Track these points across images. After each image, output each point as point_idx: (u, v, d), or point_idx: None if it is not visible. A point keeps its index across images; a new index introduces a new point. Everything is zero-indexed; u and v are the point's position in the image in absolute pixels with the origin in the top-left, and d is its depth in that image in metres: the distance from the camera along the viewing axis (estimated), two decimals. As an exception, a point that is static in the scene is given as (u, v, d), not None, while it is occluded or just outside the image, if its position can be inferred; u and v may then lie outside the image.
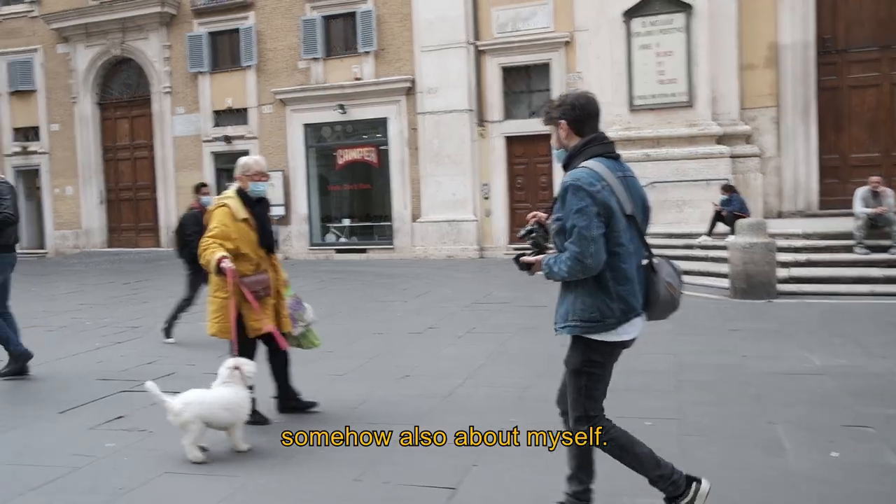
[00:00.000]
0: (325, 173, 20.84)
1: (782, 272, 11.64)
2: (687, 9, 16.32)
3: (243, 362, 5.06)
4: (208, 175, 21.69)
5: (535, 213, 3.70)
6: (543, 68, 18.35)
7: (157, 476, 4.56)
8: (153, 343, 9.04)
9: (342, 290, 13.70)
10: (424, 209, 19.34)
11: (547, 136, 15.33)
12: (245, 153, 21.09)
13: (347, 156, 20.19)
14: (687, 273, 12.82)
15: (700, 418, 5.42)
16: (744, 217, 13.76)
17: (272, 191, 20.54)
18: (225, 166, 21.95)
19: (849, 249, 12.25)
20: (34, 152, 23.79)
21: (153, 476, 4.56)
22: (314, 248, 20.61)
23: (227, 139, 21.16)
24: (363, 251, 20.02)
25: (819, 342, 7.95)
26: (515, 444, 4.95)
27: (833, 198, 16.64)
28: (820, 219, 14.99)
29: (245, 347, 5.40)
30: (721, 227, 14.03)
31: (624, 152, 17.22)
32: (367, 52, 19.48)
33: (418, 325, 9.59)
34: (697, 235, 14.42)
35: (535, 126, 18.48)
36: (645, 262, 3.47)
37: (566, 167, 3.47)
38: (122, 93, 23.08)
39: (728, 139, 16.64)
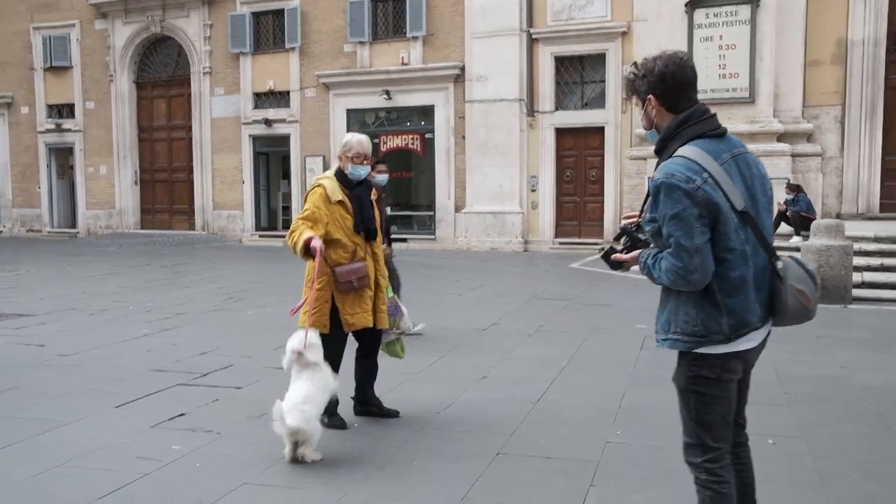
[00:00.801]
0: (367, 160, 20.33)
1: (856, 277, 11.02)
2: (753, 1, 15.63)
3: (299, 346, 4.50)
4: (246, 158, 21.35)
5: (630, 214, 3.04)
6: (598, 59, 17.75)
7: (237, 487, 4.08)
8: (202, 331, 8.60)
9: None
10: (469, 200, 18.81)
11: (598, 130, 14.87)
12: (286, 137, 20.77)
13: (391, 143, 19.69)
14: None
15: (827, 438, 4.88)
16: (810, 218, 13.15)
17: (312, 176, 20.14)
18: (264, 150, 21.61)
19: (926, 256, 11.61)
20: (68, 130, 23.46)
21: (232, 487, 4.07)
22: (353, 237, 20.12)
23: (268, 122, 20.72)
24: (404, 241, 19.44)
25: (920, 355, 7.37)
26: (631, 462, 4.42)
27: (894, 201, 15.96)
28: (887, 222, 14.29)
29: (334, 343, 4.92)
30: (784, 228, 13.41)
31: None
32: (415, 37, 18.95)
33: (481, 321, 9.09)
34: (757, 236, 13.80)
35: (586, 118, 17.98)
36: (768, 264, 2.76)
37: (659, 152, 2.80)
38: (160, 72, 22.72)
39: (789, 137, 15.98)
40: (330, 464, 4.42)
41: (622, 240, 2.99)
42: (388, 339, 5.39)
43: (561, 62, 18.10)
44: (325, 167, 19.98)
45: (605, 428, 5.03)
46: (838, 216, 15.74)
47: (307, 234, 4.64)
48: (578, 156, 18.31)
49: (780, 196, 14.22)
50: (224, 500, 3.91)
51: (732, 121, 15.95)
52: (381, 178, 7.96)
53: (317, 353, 4.51)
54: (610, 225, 17.80)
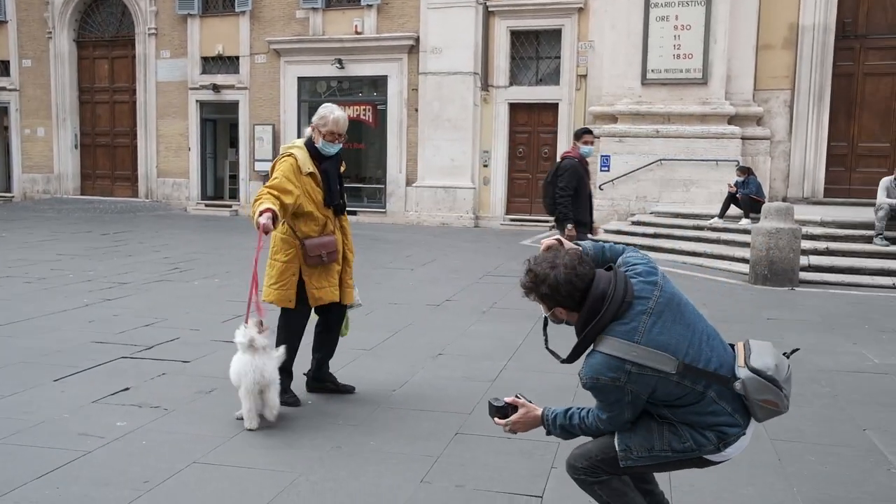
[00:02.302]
0: (317, 130, 19.95)
1: (803, 260, 11.19)
2: (710, -19, 15.69)
3: (254, 336, 4.37)
4: (193, 125, 20.75)
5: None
6: (555, 34, 17.65)
7: (185, 467, 3.89)
8: (147, 302, 8.31)
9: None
10: (420, 173, 18.62)
11: (552, 106, 14.79)
12: (234, 104, 20.24)
13: (342, 113, 19.32)
14: (698, 255, 12.65)
15: (783, 420, 4.83)
16: (759, 201, 13.33)
17: (261, 145, 19.72)
18: (211, 116, 21.05)
19: (868, 240, 11.85)
20: (3, 88, 22.48)
21: (181, 466, 3.89)
22: (301, 208, 19.77)
23: (216, 88, 20.17)
24: (353, 213, 19.20)
25: (866, 337, 7.48)
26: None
27: (838, 186, 16.33)
28: (834, 207, 14.58)
29: (297, 318, 4.78)
30: (734, 210, 13.57)
31: (633, 127, 16.89)
32: (369, 6, 18.57)
33: (435, 296, 8.97)
34: (704, 216, 13.97)
35: (540, 94, 17.90)
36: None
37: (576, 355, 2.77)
38: (103, 31, 21.87)
39: (740, 120, 16.15)
40: (284, 443, 4.27)
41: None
42: None
43: (517, 36, 17.96)
44: (275, 135, 19.57)
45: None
46: (784, 200, 16.01)
47: (265, 205, 4.43)
48: (531, 132, 18.25)
49: (730, 178, 14.41)
50: (172, 481, 3.73)
51: (685, 102, 16.11)
52: (587, 149, 8.09)
53: (263, 341, 4.41)
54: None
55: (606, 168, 16.54)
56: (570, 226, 7.82)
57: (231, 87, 20.13)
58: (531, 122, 18.18)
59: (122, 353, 6.09)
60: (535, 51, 18.02)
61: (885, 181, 12.04)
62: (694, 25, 15.87)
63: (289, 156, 4.73)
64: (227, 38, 20.03)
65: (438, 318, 7.86)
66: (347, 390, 5.14)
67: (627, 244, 12.59)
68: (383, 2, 18.48)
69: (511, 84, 18.03)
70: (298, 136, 19.56)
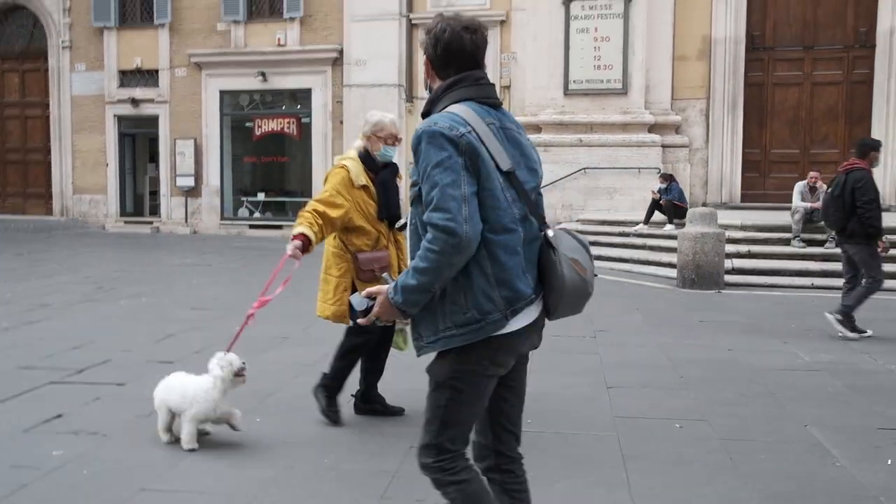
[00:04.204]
0: (241, 144, 19.61)
1: (726, 263, 11.53)
2: (627, -5, 16.10)
3: (228, 361, 4.29)
4: (111, 140, 20.10)
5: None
6: (477, 46, 17.76)
7: (134, 494, 3.72)
8: (72, 323, 7.97)
9: (271, 268, 12.77)
10: (346, 187, 18.43)
11: None
12: (154, 118, 19.69)
13: (266, 126, 19.04)
14: (626, 261, 12.90)
15: (729, 420, 5.00)
16: (682, 207, 13.70)
17: (182, 160, 19.26)
18: (130, 131, 20.45)
19: (786, 242, 12.30)
20: None
21: (128, 495, 3.70)
22: (226, 223, 19.39)
23: (135, 102, 19.59)
24: (279, 227, 18.93)
25: (794, 336, 7.74)
26: (546, 451, 4.37)
27: (753, 191, 16.88)
28: (751, 211, 15.07)
29: (358, 337, 4.69)
30: (658, 216, 13.89)
31: (557, 137, 17.12)
32: (292, 18, 18.38)
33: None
34: (629, 223, 14.27)
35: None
36: (539, 233, 2.50)
37: (426, 116, 2.54)
38: (13, 43, 21.00)
39: (659, 128, 16.58)
40: (235, 464, 4.13)
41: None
42: (399, 327, 4.99)
43: (441, 49, 18.01)
44: (197, 150, 19.14)
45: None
46: (704, 205, 16.46)
47: (300, 228, 4.31)
48: (458, 143, 18.30)
49: (652, 185, 14.76)
50: (121, 510, 3.56)
51: (606, 111, 16.45)
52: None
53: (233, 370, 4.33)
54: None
55: (533, 178, 16.69)
56: (883, 238, 7.59)
57: (150, 100, 19.59)
58: (457, 134, 18.22)
59: (50, 377, 5.80)
60: (459, 62, 18.10)
61: (799, 185, 12.53)
62: (613, 37, 16.24)
63: (341, 167, 4.59)
64: (146, 51, 19.50)
65: (378, 331, 7.76)
66: (396, 412, 4.96)
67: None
68: (306, 14, 18.32)
69: (436, 96, 18.06)
70: (221, 151, 19.23)
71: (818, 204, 12.09)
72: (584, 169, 16.27)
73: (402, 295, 2.38)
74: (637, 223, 14.02)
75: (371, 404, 4.96)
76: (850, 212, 7.48)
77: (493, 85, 2.60)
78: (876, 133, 15.90)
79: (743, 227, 12.79)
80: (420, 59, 15.35)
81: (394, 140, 4.63)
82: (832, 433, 4.76)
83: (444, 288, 2.38)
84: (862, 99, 16.20)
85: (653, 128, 16.45)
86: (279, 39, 18.43)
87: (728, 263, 11.54)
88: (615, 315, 8.73)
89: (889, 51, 15.71)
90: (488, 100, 2.51)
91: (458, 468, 2.52)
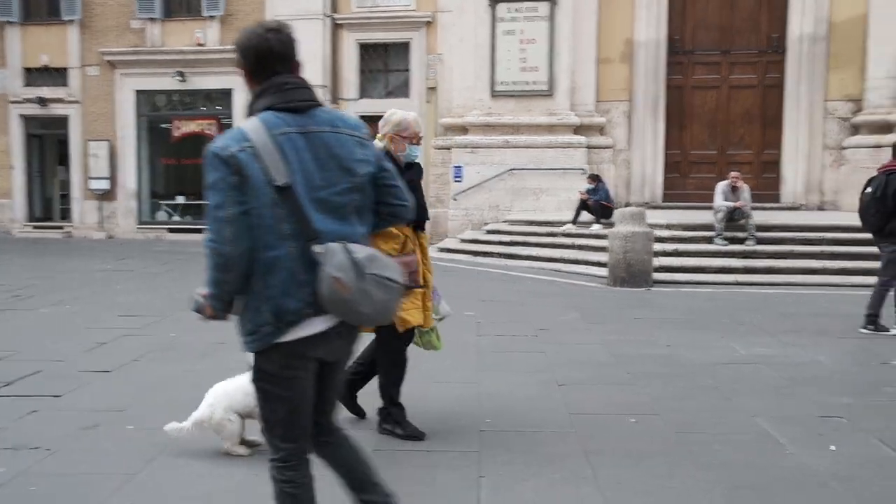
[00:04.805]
0: (159, 146, 19.02)
1: (654, 261, 11.80)
2: (551, -2, 16.32)
3: None
4: (16, 141, 19.21)
5: None
6: (403, 47, 17.75)
7: (92, 507, 3.54)
8: (-7, 333, 7.56)
9: (196, 272, 12.41)
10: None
11: None
12: (64, 119, 18.90)
13: (185, 128, 18.52)
14: (555, 261, 13.08)
15: (680, 414, 5.09)
16: (609, 207, 13.98)
17: (95, 162, 18.57)
18: (38, 132, 19.59)
19: (709, 241, 12.68)
20: None
21: (86, 508, 3.53)
22: (144, 227, 18.78)
23: (42, 101, 18.75)
24: (199, 231, 18.44)
25: (727, 330, 7.96)
26: (511, 449, 4.36)
27: (675, 191, 17.31)
28: (673, 211, 15.47)
29: (395, 342, 4.44)
30: (585, 216, 14.12)
31: (484, 138, 17.21)
32: (212, 17, 17.94)
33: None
34: (557, 223, 14.46)
35: (391, 106, 17.71)
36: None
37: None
38: None
39: (584, 130, 16.85)
40: (196, 473, 3.97)
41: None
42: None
43: (365, 49, 17.92)
44: (112, 152, 18.47)
45: (474, 416, 4.94)
46: (627, 205, 16.85)
47: None
48: (384, 145, 18.21)
49: (578, 186, 15.00)
50: (77, 527, 3.38)
51: (533, 113, 16.63)
52: None
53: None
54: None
55: (459, 178, 16.78)
56: None
57: (60, 100, 18.79)
58: (383, 135, 18.13)
59: (-23, 390, 5.48)
60: (384, 63, 18.05)
61: (721, 185, 12.92)
62: (539, 40, 16.43)
63: None
64: (54, 48, 18.70)
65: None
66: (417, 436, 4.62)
67: (485, 253, 12.86)
68: (227, 13, 17.91)
69: (361, 97, 17.96)
70: (138, 153, 18.61)
71: (740, 203, 12.54)
72: (511, 170, 16.40)
73: (210, 290, 2.55)
74: (564, 223, 14.22)
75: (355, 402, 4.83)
76: (892, 213, 7.59)
77: (307, 87, 2.60)
78: (786, 135, 16.60)
79: (669, 227, 13.12)
80: (346, 59, 15.24)
81: (418, 139, 4.50)
82: (778, 423, 4.90)
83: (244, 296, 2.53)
84: (775, 102, 16.83)
85: (578, 129, 16.71)
86: (198, 38, 17.96)
87: (656, 261, 11.82)
88: (553, 314, 8.82)
89: (799, 56, 16.36)
90: (290, 105, 2.53)
91: (291, 468, 2.64)
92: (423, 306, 4.51)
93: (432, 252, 15.12)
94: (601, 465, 4.12)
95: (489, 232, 15.43)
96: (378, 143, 4.46)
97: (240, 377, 4.10)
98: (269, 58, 2.55)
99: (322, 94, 17.61)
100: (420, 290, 4.44)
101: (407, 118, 4.45)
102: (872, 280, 11.15)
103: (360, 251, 2.50)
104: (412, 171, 4.49)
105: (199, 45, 17.96)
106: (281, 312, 2.45)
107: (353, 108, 17.87)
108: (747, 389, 5.71)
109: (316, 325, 2.51)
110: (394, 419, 4.52)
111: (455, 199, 16.59)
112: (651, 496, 3.77)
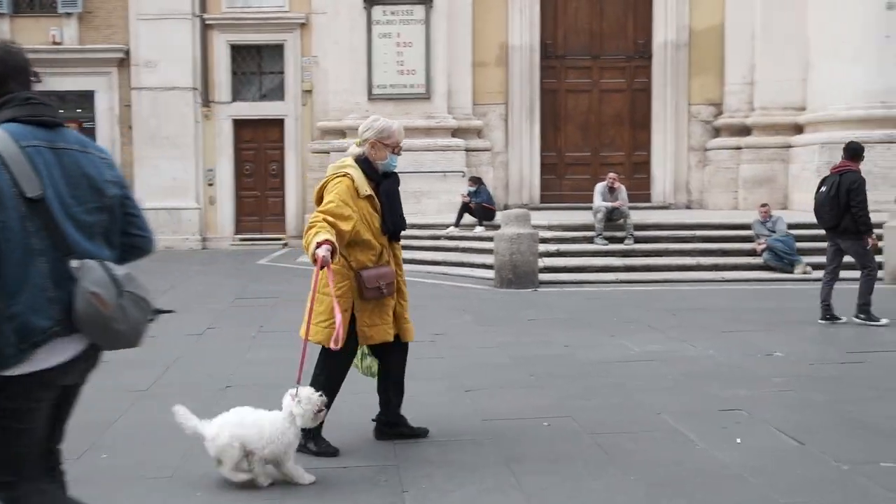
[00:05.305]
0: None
1: (539, 262, 11.97)
2: (427, 1, 16.29)
3: (306, 396, 3.87)
4: None
5: None
6: (277, 49, 17.31)
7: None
8: None
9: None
10: (139, 195, 17.16)
11: (278, 122, 14.60)
12: None
13: (42, 132, 17.32)
14: (440, 264, 13.05)
15: (590, 414, 5.11)
16: (491, 209, 14.08)
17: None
18: None
19: (590, 240, 12.99)
20: None
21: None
22: None
23: None
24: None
25: (618, 329, 8.11)
26: (429, 460, 4.23)
27: (551, 192, 17.70)
28: (551, 212, 15.77)
29: (342, 359, 4.23)
30: (468, 218, 14.17)
31: (364, 142, 16.96)
32: (69, 14, 16.84)
33: (193, 325, 8.24)
34: (440, 226, 14.45)
35: (265, 110, 17.51)
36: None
37: None
38: None
39: (462, 132, 16.94)
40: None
41: None
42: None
43: (237, 51, 17.37)
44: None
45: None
46: (506, 207, 17.07)
47: (322, 235, 3.81)
48: (258, 148, 17.75)
49: (458, 188, 15.05)
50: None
51: (411, 116, 16.53)
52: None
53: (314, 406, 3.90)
54: (292, 219, 17.55)
55: (339, 183, 16.49)
56: (874, 235, 8.25)
57: None
58: (257, 139, 17.66)
59: None
60: (257, 66, 17.55)
61: (599, 186, 13.26)
62: (415, 43, 16.40)
63: (343, 176, 4.11)
64: None
65: (207, 347, 7.27)
66: (421, 433, 4.60)
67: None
68: (85, 10, 16.89)
69: (234, 100, 17.39)
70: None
71: (618, 203, 12.92)
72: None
73: None
74: (446, 226, 14.22)
75: (398, 427, 4.60)
76: (845, 210, 8.02)
77: (50, 105, 2.51)
78: (655, 137, 17.31)
79: (550, 228, 13.34)
80: (217, 61, 14.64)
81: (399, 149, 4.34)
82: (683, 419, 4.99)
83: None
84: (643, 105, 17.50)
85: (456, 132, 16.78)
86: (54, 36, 16.81)
87: (540, 262, 11.98)
88: (445, 317, 8.76)
89: (664, 61, 17.08)
90: (39, 118, 2.42)
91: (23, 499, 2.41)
92: (399, 318, 4.42)
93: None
94: (523, 472, 4.05)
95: (371, 236, 15.23)
96: (356, 149, 4.31)
97: (264, 414, 3.91)
98: (17, 72, 2.46)
99: (193, 97, 16.94)
100: (392, 302, 4.34)
101: (391, 126, 4.31)
102: (746, 275, 11.89)
103: (118, 269, 2.41)
104: (391, 181, 4.35)
105: (56, 43, 16.83)
106: (27, 331, 2.25)
107: (227, 111, 17.31)
108: (647, 386, 5.81)
109: (66, 350, 2.36)
110: (311, 434, 4.28)
111: (335, 204, 16.31)
112: (578, 500, 3.73)
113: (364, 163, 4.26)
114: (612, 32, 17.49)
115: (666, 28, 17.06)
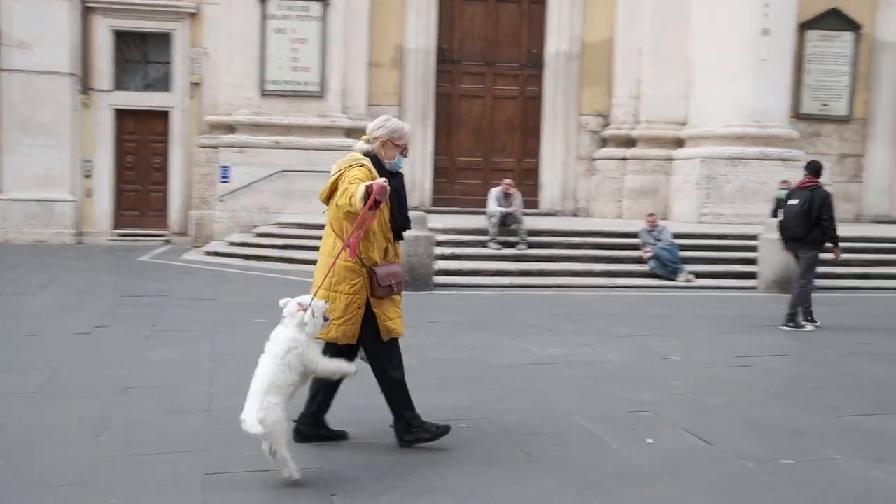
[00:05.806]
0: None
1: (434, 265, 11.98)
2: (323, -1, 16.08)
3: (318, 306, 3.89)
4: None
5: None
6: (164, 38, 16.60)
7: None
8: None
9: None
10: (7, 184, 16.16)
11: (163, 114, 14.20)
12: None
13: None
14: (334, 265, 12.85)
15: (506, 416, 5.14)
16: (386, 210, 13.98)
17: None
18: None
19: (484, 245, 13.12)
20: None
21: None
22: None
23: None
24: (-81, 234, 16.07)
25: (518, 332, 8.18)
26: (356, 464, 4.14)
27: (443, 196, 17.81)
28: (443, 215, 15.82)
29: (349, 351, 4.30)
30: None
31: (253, 138, 16.67)
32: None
33: (79, 323, 7.79)
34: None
35: (151, 100, 16.82)
36: None
37: None
38: None
39: (357, 133, 16.72)
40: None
41: None
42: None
43: (122, 38, 16.55)
44: None
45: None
46: (398, 210, 17.03)
47: (365, 183, 3.85)
48: (142, 141, 16.97)
49: (354, 189, 14.87)
50: None
51: (304, 114, 16.32)
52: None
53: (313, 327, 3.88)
54: (175, 215, 16.92)
55: (227, 179, 16.03)
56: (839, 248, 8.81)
57: None
58: (141, 130, 16.89)
59: None
60: (143, 54, 16.78)
61: (494, 191, 13.42)
62: (311, 40, 16.13)
63: (362, 166, 4.06)
64: None
65: (99, 347, 6.86)
66: (341, 436, 4.56)
67: (257, 257, 12.45)
68: (-52, -13, 15.71)
69: (117, 88, 16.57)
70: None
71: (513, 209, 13.10)
72: (282, 171, 15.94)
73: None
74: (340, 226, 14.02)
75: (318, 428, 4.51)
76: (815, 223, 8.57)
77: None
78: (545, 144, 17.71)
79: (445, 230, 13.37)
80: (99, 47, 13.97)
81: (407, 151, 4.40)
82: (595, 421, 5.09)
83: None
84: (534, 113, 17.87)
85: (350, 132, 16.58)
86: (-88, 11, 15.56)
87: (435, 265, 12.00)
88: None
89: (556, 72, 17.51)
90: None
91: None
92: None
93: (197, 256, 14.41)
94: (450, 475, 4.03)
95: (259, 235, 14.89)
96: (363, 145, 4.26)
97: (269, 353, 3.96)
98: None
99: (70, 84, 16.04)
100: (400, 301, 4.39)
101: (403, 128, 4.36)
102: (634, 282, 12.30)
103: None
104: (397, 180, 4.32)
105: (-84, 18, 15.55)
106: None
107: (108, 100, 16.50)
108: (556, 389, 5.90)
109: None
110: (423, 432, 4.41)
111: (222, 201, 15.86)
112: (511, 502, 3.73)
113: (373, 159, 4.27)
114: (507, 41, 17.77)
115: (559, 39, 17.48)
